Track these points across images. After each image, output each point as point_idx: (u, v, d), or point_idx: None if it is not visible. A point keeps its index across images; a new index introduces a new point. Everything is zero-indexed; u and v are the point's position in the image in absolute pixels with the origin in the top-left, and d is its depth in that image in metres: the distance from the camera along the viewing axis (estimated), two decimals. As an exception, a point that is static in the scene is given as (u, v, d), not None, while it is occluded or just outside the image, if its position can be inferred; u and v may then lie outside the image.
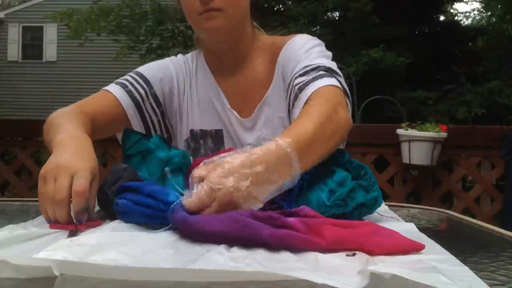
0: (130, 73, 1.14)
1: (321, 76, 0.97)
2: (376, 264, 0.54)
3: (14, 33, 13.44)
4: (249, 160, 0.68)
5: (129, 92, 1.09)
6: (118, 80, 1.12)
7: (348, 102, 0.99)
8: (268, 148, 0.70)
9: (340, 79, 1.00)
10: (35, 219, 0.82)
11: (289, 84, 1.03)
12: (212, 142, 1.13)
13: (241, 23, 1.08)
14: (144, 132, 1.09)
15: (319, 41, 1.13)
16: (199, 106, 1.15)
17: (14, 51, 13.43)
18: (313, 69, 0.99)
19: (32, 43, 13.47)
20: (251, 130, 1.12)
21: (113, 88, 1.09)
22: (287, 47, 1.10)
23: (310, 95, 0.94)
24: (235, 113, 1.13)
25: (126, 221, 0.74)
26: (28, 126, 3.73)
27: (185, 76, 1.16)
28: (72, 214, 0.71)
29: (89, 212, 0.73)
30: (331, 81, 0.96)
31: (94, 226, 0.71)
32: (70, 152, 0.78)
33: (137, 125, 1.11)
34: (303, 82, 0.97)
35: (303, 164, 0.73)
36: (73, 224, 0.70)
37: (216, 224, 0.62)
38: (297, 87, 0.98)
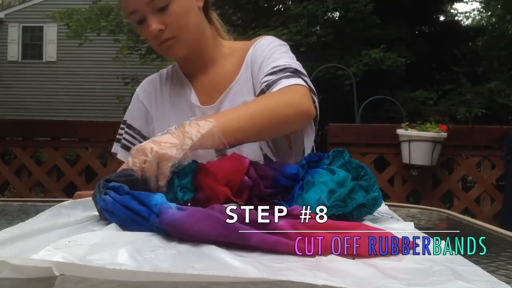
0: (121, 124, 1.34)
1: (287, 77, 1.05)
2: (376, 266, 0.54)
3: (14, 33, 13.44)
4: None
5: (122, 145, 1.30)
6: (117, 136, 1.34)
7: (315, 98, 1.06)
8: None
9: (305, 78, 1.07)
10: (36, 216, 0.82)
11: (258, 81, 1.11)
12: None
13: (196, 40, 1.17)
14: None
15: (283, 42, 1.21)
16: (171, 107, 1.25)
17: (14, 51, 13.43)
18: (280, 70, 1.07)
19: (32, 43, 13.48)
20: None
21: (114, 148, 1.33)
22: (255, 46, 1.19)
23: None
24: (197, 103, 1.21)
25: (111, 220, 0.74)
26: (28, 126, 3.73)
27: (155, 92, 1.29)
28: None
29: None
30: (297, 80, 1.04)
31: None
32: None
33: None
34: (271, 80, 1.05)
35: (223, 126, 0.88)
36: None
37: (203, 225, 0.61)
38: (264, 84, 1.06)
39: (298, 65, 1.10)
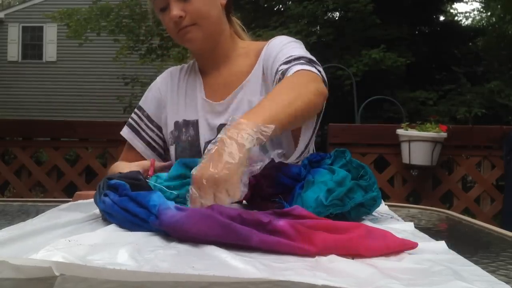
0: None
1: (301, 63, 1.06)
2: (376, 266, 0.54)
3: (14, 33, 13.44)
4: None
5: (128, 124, 1.36)
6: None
7: (325, 87, 1.06)
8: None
9: (319, 68, 1.09)
10: (35, 218, 0.82)
11: (274, 72, 1.13)
12: (193, 130, 1.26)
13: (215, 31, 1.20)
14: (147, 147, 1.33)
15: (297, 40, 1.24)
16: (185, 100, 1.29)
17: (14, 51, 13.43)
18: (295, 59, 1.09)
19: (32, 43, 13.47)
20: (222, 114, 1.23)
21: (123, 131, 1.36)
22: (269, 44, 1.22)
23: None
24: (209, 101, 1.25)
25: (111, 221, 0.74)
26: (28, 126, 3.73)
27: (173, 82, 1.33)
28: None
29: None
30: (310, 68, 1.06)
31: None
32: None
33: (138, 145, 1.33)
34: (286, 68, 1.07)
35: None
36: None
37: (202, 227, 0.61)
38: (280, 72, 1.08)
39: (312, 57, 1.12)
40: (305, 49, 1.19)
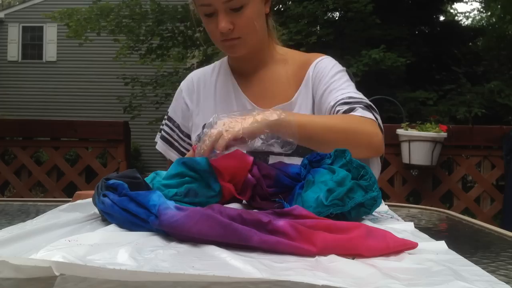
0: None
1: (363, 108, 1.09)
2: (376, 266, 0.54)
3: (14, 33, 13.44)
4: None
5: (161, 137, 1.37)
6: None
7: (380, 143, 1.09)
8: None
9: (377, 116, 1.11)
10: (35, 219, 0.82)
11: (327, 107, 1.15)
12: None
13: (258, 41, 1.20)
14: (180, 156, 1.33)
15: (343, 67, 1.26)
16: (215, 102, 1.28)
17: (14, 51, 13.43)
18: (356, 102, 1.11)
19: (32, 43, 13.47)
20: None
21: (156, 138, 1.39)
22: (316, 65, 1.23)
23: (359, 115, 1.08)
24: (252, 103, 1.24)
25: (110, 222, 0.74)
26: (28, 126, 3.73)
27: (199, 88, 1.32)
28: None
29: None
30: (371, 116, 1.09)
31: None
32: None
33: (172, 155, 1.34)
34: (348, 108, 1.09)
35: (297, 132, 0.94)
36: None
37: (203, 227, 0.61)
38: (342, 110, 1.10)
39: (369, 101, 1.15)
40: (350, 79, 1.22)
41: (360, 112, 1.07)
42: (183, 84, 1.36)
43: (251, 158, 0.86)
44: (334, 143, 0.98)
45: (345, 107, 1.09)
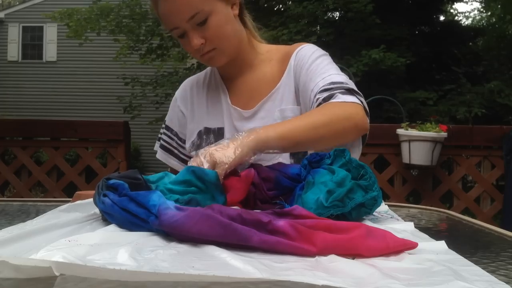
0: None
1: (343, 93, 1.08)
2: (376, 266, 0.54)
3: (14, 33, 13.43)
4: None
5: (160, 146, 1.39)
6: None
7: (365, 122, 1.10)
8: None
9: (361, 98, 1.10)
10: (35, 219, 0.82)
11: (311, 96, 1.14)
12: (214, 138, 1.25)
13: (235, 46, 1.20)
14: (182, 164, 1.35)
15: (325, 52, 1.24)
16: (207, 109, 1.29)
17: (14, 51, 13.42)
18: (337, 87, 1.10)
19: (32, 43, 13.47)
20: (249, 119, 1.23)
21: (155, 146, 1.41)
22: (297, 54, 1.22)
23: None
24: (237, 108, 1.24)
25: (110, 221, 0.74)
26: (28, 126, 3.73)
27: (192, 95, 1.34)
28: None
29: None
30: (353, 99, 1.08)
31: None
32: None
33: (173, 163, 1.37)
34: (328, 95, 1.08)
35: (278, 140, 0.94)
36: None
37: (203, 227, 0.61)
38: (321, 98, 1.08)
39: (352, 84, 1.13)
40: (335, 64, 1.20)
41: (339, 98, 1.06)
42: (177, 93, 1.38)
43: (252, 172, 0.86)
44: (322, 139, 1.00)
45: (325, 94, 1.08)
